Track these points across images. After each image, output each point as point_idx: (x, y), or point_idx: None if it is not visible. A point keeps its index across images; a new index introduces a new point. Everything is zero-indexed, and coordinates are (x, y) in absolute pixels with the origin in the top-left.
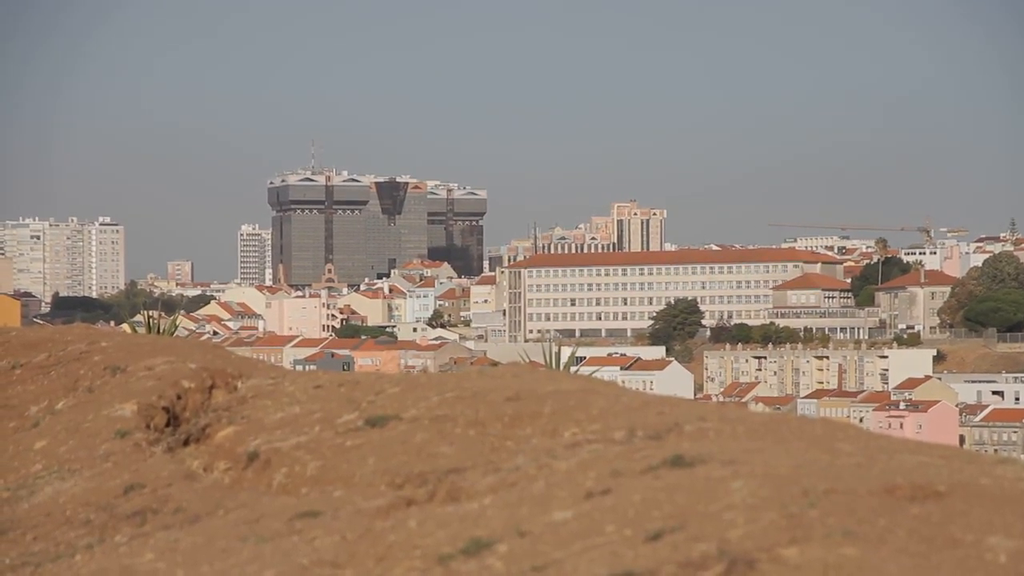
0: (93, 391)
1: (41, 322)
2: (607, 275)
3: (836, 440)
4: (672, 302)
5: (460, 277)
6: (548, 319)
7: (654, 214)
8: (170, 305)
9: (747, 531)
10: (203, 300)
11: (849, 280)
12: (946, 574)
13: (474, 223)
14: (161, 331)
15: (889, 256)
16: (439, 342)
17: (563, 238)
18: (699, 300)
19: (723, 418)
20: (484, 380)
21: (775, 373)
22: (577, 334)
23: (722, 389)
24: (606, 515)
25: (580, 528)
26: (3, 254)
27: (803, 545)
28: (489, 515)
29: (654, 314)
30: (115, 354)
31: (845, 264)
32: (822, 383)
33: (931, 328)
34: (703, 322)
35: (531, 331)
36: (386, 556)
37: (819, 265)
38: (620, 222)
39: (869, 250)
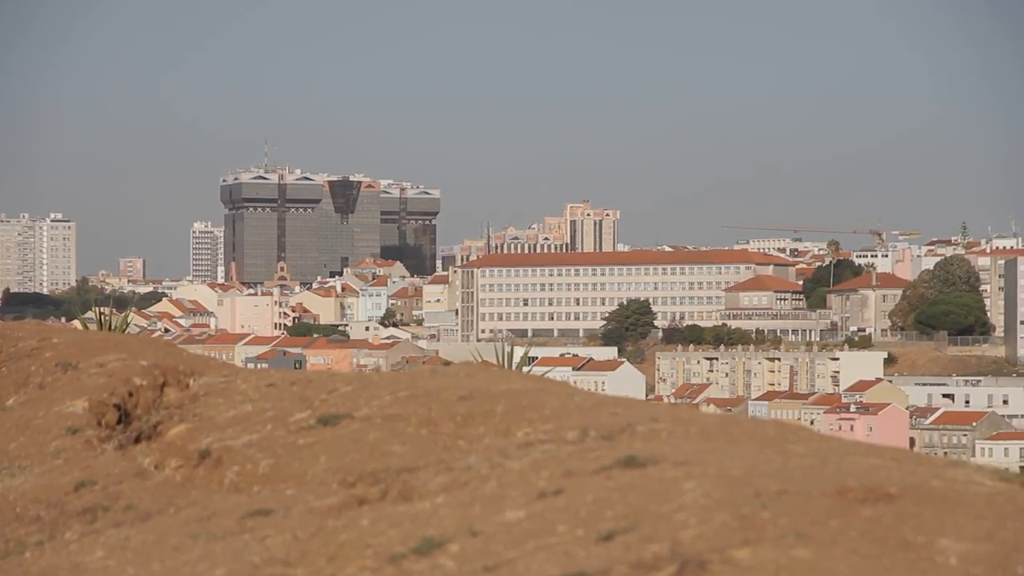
0: (44, 388)
1: None
2: (560, 275)
3: (788, 442)
4: (624, 303)
5: (413, 276)
6: (501, 319)
7: (607, 215)
8: (122, 302)
9: (699, 532)
10: (155, 297)
11: (801, 282)
12: None
13: (427, 222)
14: (113, 328)
15: (841, 259)
16: (391, 341)
17: (516, 238)
18: (651, 301)
19: (676, 419)
20: (437, 379)
21: (727, 374)
22: (529, 334)
23: (674, 390)
24: (558, 515)
25: (532, 528)
26: None
27: (755, 546)
28: (441, 514)
29: (606, 315)
30: (66, 351)
31: (797, 266)
32: (773, 385)
33: (882, 331)
34: (655, 323)
35: (483, 331)
36: (338, 555)
37: (771, 267)
38: (573, 222)
39: (821, 252)
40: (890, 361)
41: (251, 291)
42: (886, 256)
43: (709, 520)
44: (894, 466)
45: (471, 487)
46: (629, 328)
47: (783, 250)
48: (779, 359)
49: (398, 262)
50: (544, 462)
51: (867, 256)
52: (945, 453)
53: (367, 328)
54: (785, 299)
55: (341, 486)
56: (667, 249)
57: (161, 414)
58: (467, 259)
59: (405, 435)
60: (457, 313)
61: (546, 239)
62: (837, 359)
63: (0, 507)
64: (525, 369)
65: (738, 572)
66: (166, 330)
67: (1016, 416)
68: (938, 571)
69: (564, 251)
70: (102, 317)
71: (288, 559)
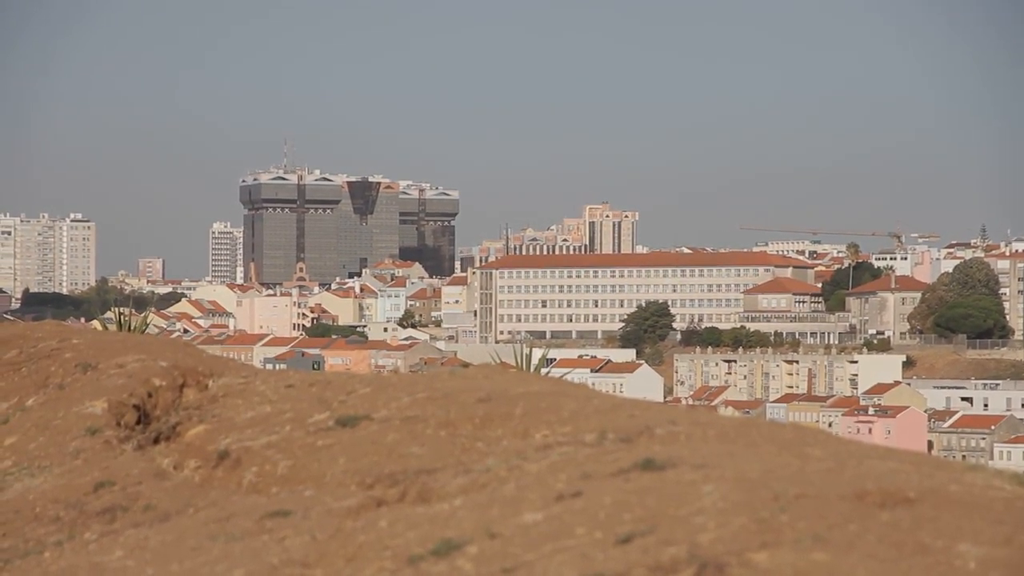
0: (64, 388)
1: (11, 318)
2: (578, 277)
3: (806, 445)
4: (643, 304)
5: (431, 277)
6: (519, 320)
7: (626, 216)
8: (141, 302)
9: (717, 535)
10: (174, 298)
11: (820, 284)
12: None
13: (446, 223)
14: (132, 328)
15: (860, 261)
16: (410, 342)
17: (535, 239)
18: (670, 303)
19: (694, 422)
20: (455, 381)
21: (745, 377)
22: (548, 335)
23: (692, 392)
24: (576, 517)
25: (550, 530)
26: None
27: (773, 550)
28: (459, 516)
29: (625, 316)
30: (86, 351)
31: (816, 268)
32: (792, 387)
33: (901, 334)
34: (674, 325)
35: (502, 332)
36: (356, 556)
37: (790, 269)
38: (592, 224)
39: (840, 255)
40: (908, 364)
41: (270, 292)
42: (905, 259)
43: (727, 523)
44: (912, 470)
45: (489, 489)
46: (647, 330)
47: (802, 252)
48: (797, 362)
49: (417, 263)
50: (562, 464)
51: (886, 259)
52: (963, 456)
53: (385, 329)
54: (804, 301)
55: (359, 487)
56: (685, 251)
57: (180, 415)
58: (486, 260)
59: (423, 437)
60: (475, 314)
61: (565, 240)
62: (855, 362)
63: (20, 507)
64: (543, 371)
65: (756, 575)
66: (185, 331)
67: None
68: (956, 575)
69: (583, 252)
70: (121, 318)
71: (306, 560)
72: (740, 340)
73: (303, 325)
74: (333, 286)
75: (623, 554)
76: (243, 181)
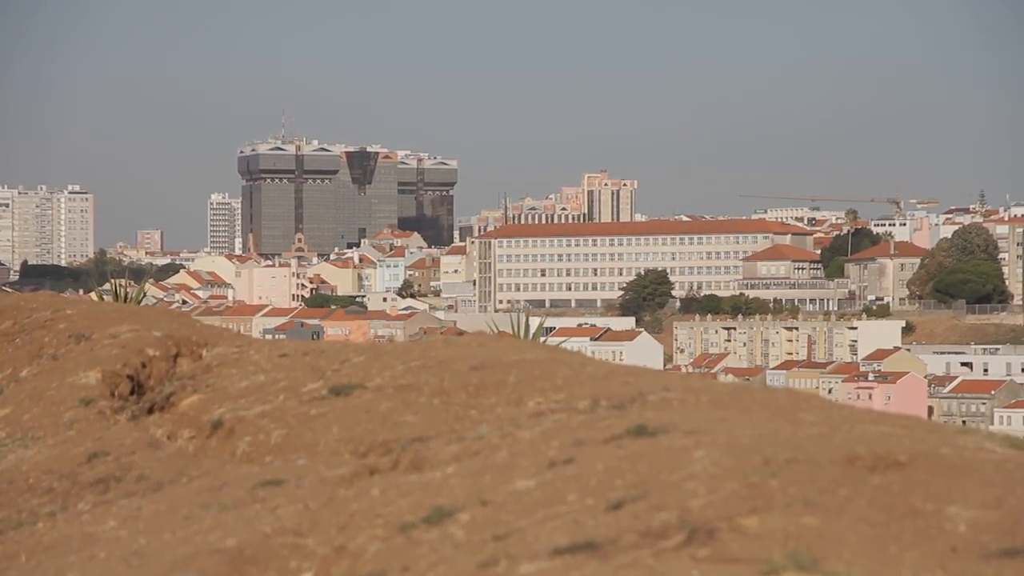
0: (57, 359)
1: (8, 290)
2: (577, 245)
3: (799, 410)
4: (642, 273)
5: (430, 247)
6: (518, 289)
7: (624, 185)
8: (139, 273)
9: (708, 500)
10: (173, 269)
11: (819, 251)
12: (906, 543)
13: (444, 193)
14: (127, 299)
15: (859, 227)
16: (409, 312)
17: (533, 208)
18: (669, 271)
19: (687, 388)
20: (449, 349)
21: (744, 344)
22: (547, 304)
23: (691, 360)
24: (568, 484)
25: (542, 497)
26: None
27: (764, 514)
28: (452, 484)
29: (624, 285)
30: (80, 322)
31: (815, 235)
32: (791, 354)
33: (900, 299)
34: (673, 293)
35: (501, 301)
36: (348, 524)
37: (789, 236)
38: (590, 192)
39: (839, 221)
40: (908, 330)
41: (269, 262)
42: (904, 225)
43: (718, 488)
44: (904, 434)
45: (482, 457)
46: (647, 298)
47: (801, 219)
48: (797, 328)
49: (415, 233)
50: (555, 431)
51: (885, 225)
52: (963, 422)
53: (385, 299)
54: (803, 268)
55: (353, 456)
56: (684, 219)
57: (174, 385)
58: (484, 230)
59: (417, 405)
60: (474, 284)
61: (563, 209)
62: (855, 328)
63: (13, 478)
64: (542, 339)
65: (746, 540)
66: (184, 302)
67: None
68: (947, 538)
69: (581, 221)
70: (118, 289)
71: (299, 529)
72: (739, 307)
73: (302, 296)
74: (332, 256)
75: (614, 520)
76: (241, 152)
